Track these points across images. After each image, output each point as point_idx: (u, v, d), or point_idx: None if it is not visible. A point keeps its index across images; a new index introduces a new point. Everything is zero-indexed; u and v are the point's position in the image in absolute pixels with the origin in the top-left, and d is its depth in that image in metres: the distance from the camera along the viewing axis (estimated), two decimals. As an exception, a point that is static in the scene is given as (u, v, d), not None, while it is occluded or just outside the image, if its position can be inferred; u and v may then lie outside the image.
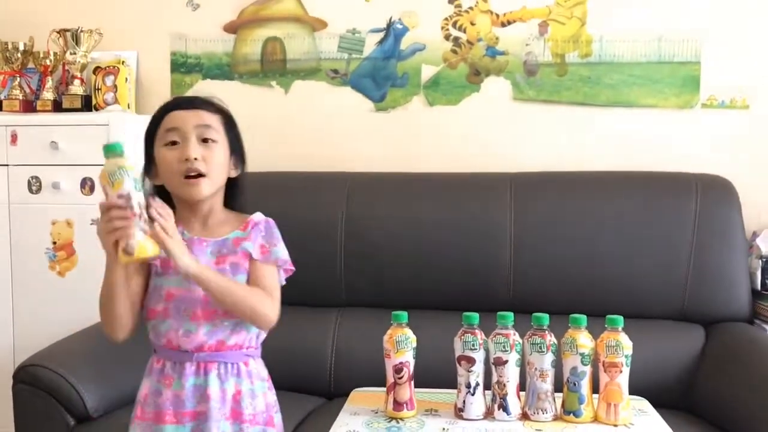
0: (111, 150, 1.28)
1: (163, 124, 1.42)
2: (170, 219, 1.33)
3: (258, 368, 1.46)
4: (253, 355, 1.46)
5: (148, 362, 1.48)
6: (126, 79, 2.56)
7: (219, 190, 1.46)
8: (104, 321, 1.41)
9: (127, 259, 1.28)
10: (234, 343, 1.42)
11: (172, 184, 1.42)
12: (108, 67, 2.56)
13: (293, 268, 1.48)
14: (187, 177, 1.39)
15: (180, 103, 1.46)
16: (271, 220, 1.48)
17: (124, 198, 1.26)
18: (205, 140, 1.41)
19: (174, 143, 1.40)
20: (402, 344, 1.43)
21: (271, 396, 1.48)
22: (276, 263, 1.45)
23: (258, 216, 1.48)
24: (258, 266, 1.43)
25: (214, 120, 1.43)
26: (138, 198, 1.27)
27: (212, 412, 1.38)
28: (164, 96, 2.62)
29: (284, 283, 1.48)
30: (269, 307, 1.41)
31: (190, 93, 2.61)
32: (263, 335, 1.48)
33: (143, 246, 1.27)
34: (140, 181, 1.30)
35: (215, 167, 1.41)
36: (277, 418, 1.49)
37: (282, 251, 1.46)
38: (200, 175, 1.39)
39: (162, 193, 1.45)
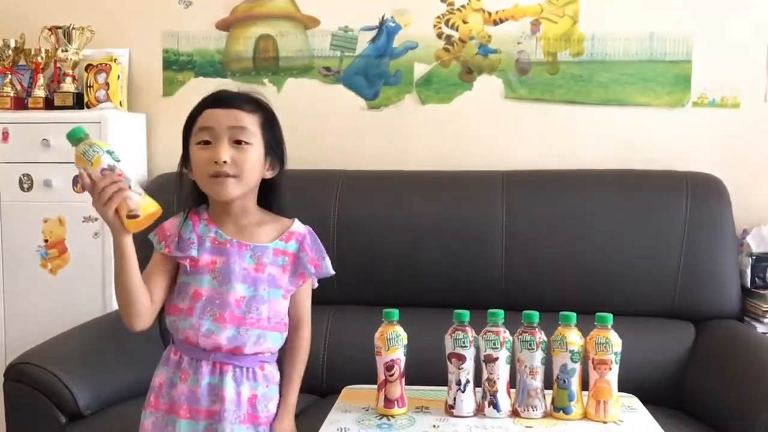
0: (75, 136, 1.28)
1: (199, 121, 1.41)
2: None
3: (273, 372, 1.48)
4: (269, 360, 1.47)
5: (164, 351, 1.49)
6: (118, 76, 2.55)
7: (251, 191, 1.45)
8: (121, 308, 1.39)
9: (135, 223, 1.28)
10: (253, 352, 1.42)
11: (200, 182, 1.43)
12: (100, 64, 2.55)
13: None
14: (214, 176, 1.39)
15: (218, 99, 1.43)
16: (311, 230, 1.50)
17: (108, 169, 1.26)
18: (238, 142, 1.39)
19: (206, 143, 1.39)
20: (393, 342, 1.44)
21: None
22: (324, 276, 1.50)
23: (299, 226, 1.48)
24: (303, 289, 1.49)
25: (250, 121, 1.41)
26: (120, 167, 1.27)
27: (226, 413, 1.39)
28: (156, 94, 2.64)
29: (317, 285, 1.55)
30: (309, 341, 1.54)
31: (182, 91, 2.61)
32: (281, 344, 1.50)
33: (145, 205, 1.28)
34: (114, 152, 1.29)
35: (246, 170, 1.40)
36: None
37: (329, 263, 1.50)
38: (229, 176, 1.39)
39: (197, 187, 1.46)
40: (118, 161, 1.28)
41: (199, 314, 1.40)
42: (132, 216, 1.27)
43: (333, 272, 1.50)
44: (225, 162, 1.37)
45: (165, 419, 1.42)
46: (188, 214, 1.47)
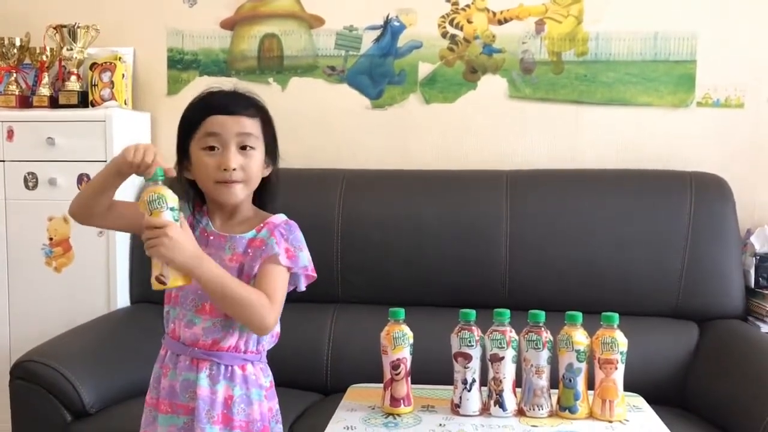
0: (154, 175, 1.29)
1: (204, 126, 1.40)
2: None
3: (257, 374, 1.44)
4: (252, 359, 1.44)
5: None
6: (123, 75, 2.55)
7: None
8: (75, 201, 1.42)
9: (158, 285, 1.29)
10: (228, 345, 1.40)
11: (206, 186, 1.43)
12: (105, 63, 2.56)
13: (315, 275, 1.45)
14: (222, 182, 1.39)
15: (221, 105, 1.42)
16: (292, 222, 1.47)
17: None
18: (243, 147, 1.40)
19: (213, 148, 1.40)
20: (399, 341, 1.44)
21: (269, 404, 1.45)
22: (302, 270, 1.42)
23: (278, 218, 1.46)
24: (268, 267, 1.39)
25: (253, 126, 1.43)
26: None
27: (199, 412, 1.37)
28: (161, 92, 2.64)
29: (303, 289, 1.45)
30: (267, 310, 1.34)
31: (186, 89, 2.61)
32: (265, 340, 1.46)
33: (173, 278, 1.29)
34: (176, 209, 1.30)
35: (253, 175, 1.42)
36: (277, 429, 1.46)
37: (306, 257, 1.43)
38: (237, 182, 1.40)
39: (193, 186, 1.45)
40: (176, 220, 1.29)
41: (182, 303, 1.42)
42: (159, 281, 1.29)
43: (307, 264, 1.42)
44: (234, 169, 1.38)
45: (152, 413, 1.44)
46: (193, 202, 1.48)
